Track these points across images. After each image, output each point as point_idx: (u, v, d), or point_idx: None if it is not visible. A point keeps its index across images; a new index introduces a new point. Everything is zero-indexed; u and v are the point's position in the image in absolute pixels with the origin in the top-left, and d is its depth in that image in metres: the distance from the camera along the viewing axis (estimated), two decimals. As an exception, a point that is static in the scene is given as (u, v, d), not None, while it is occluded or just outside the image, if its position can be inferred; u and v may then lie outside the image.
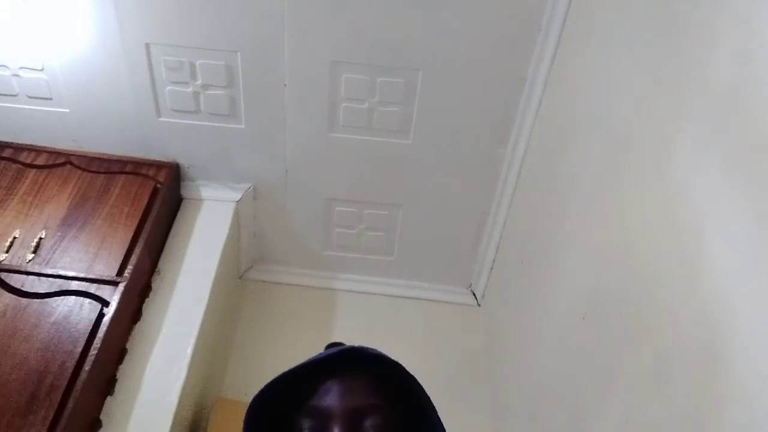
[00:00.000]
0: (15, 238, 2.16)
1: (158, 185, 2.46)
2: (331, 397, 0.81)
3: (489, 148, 2.49)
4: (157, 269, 2.36)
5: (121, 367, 2.09)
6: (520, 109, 2.33)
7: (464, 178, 2.59)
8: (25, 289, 2.02)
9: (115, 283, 2.08)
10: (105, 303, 2.02)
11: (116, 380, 2.05)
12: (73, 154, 2.49)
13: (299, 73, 2.31)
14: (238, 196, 2.66)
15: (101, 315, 2.00)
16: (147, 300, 2.27)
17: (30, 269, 2.07)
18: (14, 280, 2.04)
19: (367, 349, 0.86)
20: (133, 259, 2.18)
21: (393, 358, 0.83)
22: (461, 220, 2.75)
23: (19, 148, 2.48)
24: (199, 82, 2.34)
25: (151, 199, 2.40)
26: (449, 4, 2.10)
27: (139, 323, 2.20)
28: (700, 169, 1.20)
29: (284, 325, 2.84)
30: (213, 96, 2.38)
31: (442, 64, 2.25)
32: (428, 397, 0.82)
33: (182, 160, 2.59)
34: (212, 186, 2.66)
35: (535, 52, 2.19)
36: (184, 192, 2.65)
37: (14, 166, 2.42)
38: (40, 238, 2.17)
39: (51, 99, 2.41)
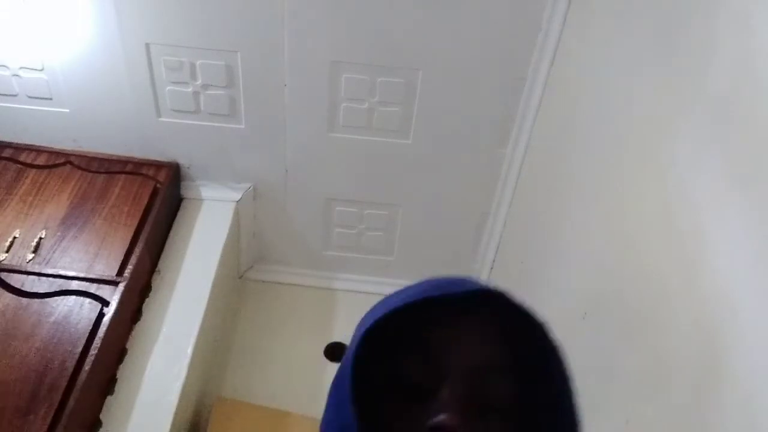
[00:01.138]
0: (15, 237, 2.16)
1: (158, 185, 2.46)
2: (454, 346, 0.63)
3: (489, 148, 2.49)
4: (157, 269, 2.36)
5: (121, 366, 2.09)
6: (520, 109, 2.33)
7: (464, 178, 2.59)
8: (25, 288, 2.02)
9: (115, 283, 2.08)
10: (105, 303, 2.03)
11: (116, 380, 2.06)
12: (73, 154, 2.49)
13: (299, 73, 2.31)
14: (238, 196, 2.66)
15: (101, 315, 2.00)
16: (147, 300, 2.27)
17: (30, 269, 2.07)
18: (14, 279, 2.04)
19: (505, 295, 0.66)
20: (133, 258, 2.18)
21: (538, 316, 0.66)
22: (461, 220, 2.75)
23: (19, 148, 2.48)
24: (199, 82, 2.34)
25: (151, 199, 2.40)
26: (449, 4, 2.10)
27: (139, 323, 2.20)
28: (700, 169, 1.20)
29: (284, 325, 2.84)
30: (213, 96, 2.38)
31: (442, 64, 2.25)
32: (570, 376, 0.65)
33: (182, 160, 2.59)
34: (212, 186, 2.66)
35: (535, 53, 2.19)
36: (184, 192, 2.65)
37: (14, 166, 2.42)
38: (40, 238, 2.17)
39: (51, 99, 2.41)
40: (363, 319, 0.68)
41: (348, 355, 0.63)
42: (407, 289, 0.67)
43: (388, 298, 0.68)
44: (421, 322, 0.64)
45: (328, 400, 0.66)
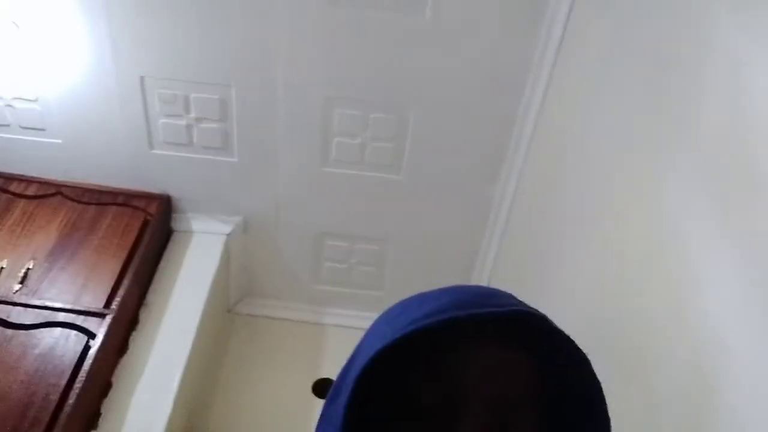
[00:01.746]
0: (2, 268, 2.14)
1: (149, 217, 2.45)
2: (474, 370, 0.58)
3: (479, 185, 2.50)
4: (145, 302, 2.34)
5: (105, 400, 2.06)
6: (510, 147, 2.35)
7: (455, 214, 2.60)
8: (10, 320, 2.00)
9: (102, 315, 2.06)
10: (91, 335, 2.00)
11: (100, 414, 2.02)
12: (65, 185, 2.48)
13: (293, 108, 2.32)
14: (228, 229, 2.66)
15: (87, 347, 1.97)
16: (134, 333, 2.24)
17: (16, 300, 2.05)
18: (0, 310, 2.01)
19: (546, 319, 0.60)
20: (121, 291, 2.16)
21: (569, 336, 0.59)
22: (452, 256, 2.75)
23: (10, 177, 2.47)
24: (192, 115, 2.35)
25: (141, 231, 2.39)
26: (442, 44, 2.13)
27: (125, 356, 2.17)
28: (690, 209, 1.21)
29: (273, 360, 2.81)
30: (206, 129, 2.39)
31: (433, 102, 2.27)
32: (607, 417, 0.60)
33: (174, 193, 2.59)
34: (203, 218, 2.66)
35: (525, 92, 2.21)
36: (175, 224, 2.64)
37: (4, 195, 2.41)
38: (28, 269, 2.15)
39: (44, 130, 2.41)
40: (377, 324, 0.63)
41: (355, 366, 0.59)
42: (431, 296, 0.62)
43: (409, 305, 0.62)
44: (440, 342, 0.59)
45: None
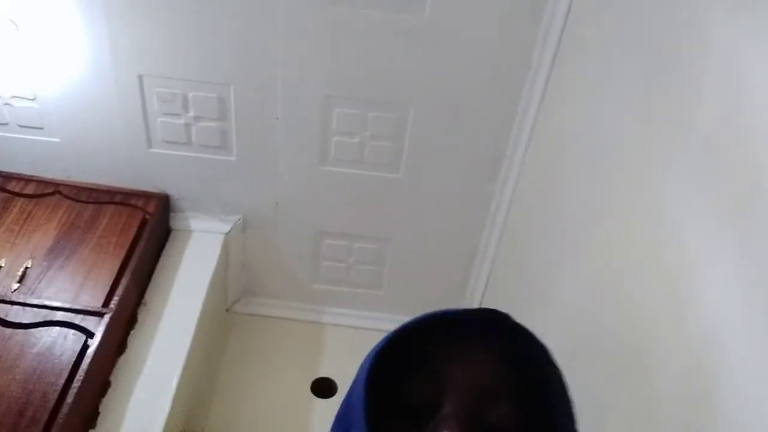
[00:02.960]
0: (0, 267, 2.14)
1: (147, 216, 2.45)
2: (457, 365, 0.64)
3: (479, 183, 2.50)
4: (143, 301, 2.34)
5: (104, 399, 2.06)
6: (510, 145, 2.35)
7: (454, 212, 2.60)
8: (9, 319, 1.99)
9: (100, 314, 2.06)
10: (90, 334, 2.00)
11: (99, 413, 2.02)
12: (63, 184, 2.48)
13: (292, 107, 2.32)
14: (227, 228, 2.65)
15: (85, 346, 1.97)
16: (132, 332, 2.24)
17: (15, 299, 2.05)
18: (-2, 309, 2.01)
19: (508, 317, 0.68)
20: (120, 290, 2.16)
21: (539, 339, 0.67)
22: (451, 255, 2.75)
23: (8, 176, 2.47)
24: (191, 113, 2.34)
25: (140, 230, 2.39)
26: (441, 42, 2.13)
27: (123, 355, 2.17)
28: (689, 209, 1.21)
29: (271, 359, 2.81)
30: (205, 128, 2.39)
31: (433, 101, 2.27)
32: (570, 401, 0.66)
33: (172, 191, 2.59)
34: (201, 217, 2.66)
35: (524, 91, 2.22)
36: (173, 223, 2.64)
37: (2, 194, 2.40)
38: (26, 268, 2.15)
39: (42, 128, 2.41)
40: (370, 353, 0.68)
41: (358, 381, 0.64)
42: (403, 324, 0.68)
43: (386, 337, 0.68)
44: (425, 341, 0.66)
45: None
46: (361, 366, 0.66)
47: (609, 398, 1.45)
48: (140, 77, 2.26)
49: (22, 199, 2.40)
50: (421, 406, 0.62)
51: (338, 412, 0.66)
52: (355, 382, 0.66)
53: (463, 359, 0.65)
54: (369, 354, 0.67)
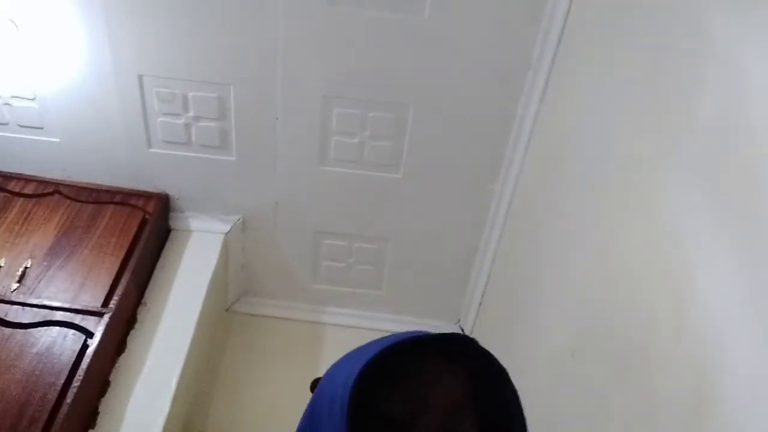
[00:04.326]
0: (0, 267, 2.14)
1: (147, 216, 2.45)
2: (428, 383, 0.71)
3: (479, 183, 2.50)
4: (143, 301, 2.34)
5: (103, 399, 2.06)
6: (509, 146, 2.35)
7: (454, 213, 2.60)
8: (8, 318, 1.99)
9: (100, 314, 2.05)
10: (89, 334, 2.00)
11: (98, 413, 2.02)
12: (62, 184, 2.48)
13: (291, 107, 2.32)
14: (226, 228, 2.65)
15: (85, 346, 1.97)
16: (132, 331, 2.24)
17: (14, 299, 2.05)
18: (-2, 309, 2.01)
19: (474, 341, 0.75)
20: (119, 290, 2.16)
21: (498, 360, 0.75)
22: (450, 255, 2.75)
23: (8, 176, 2.47)
24: (191, 113, 2.34)
25: (140, 229, 2.38)
26: (441, 42, 2.13)
27: (123, 355, 2.17)
28: (689, 208, 1.21)
29: (271, 359, 2.81)
30: (204, 128, 2.39)
31: (432, 100, 2.27)
32: (523, 419, 0.74)
33: (172, 191, 2.58)
34: (201, 217, 2.66)
35: (524, 90, 2.22)
36: (173, 223, 2.64)
37: (2, 194, 2.40)
38: (26, 268, 2.15)
39: (42, 128, 2.41)
40: (335, 367, 0.75)
41: (340, 396, 0.68)
42: (366, 346, 0.74)
43: (348, 357, 0.74)
44: (403, 364, 0.72)
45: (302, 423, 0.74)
46: (337, 382, 0.70)
47: (609, 398, 1.45)
48: (140, 77, 2.26)
49: (21, 199, 2.40)
50: (397, 424, 0.69)
51: (305, 411, 0.74)
52: (322, 389, 0.72)
53: (437, 381, 0.71)
54: (350, 373, 0.70)
